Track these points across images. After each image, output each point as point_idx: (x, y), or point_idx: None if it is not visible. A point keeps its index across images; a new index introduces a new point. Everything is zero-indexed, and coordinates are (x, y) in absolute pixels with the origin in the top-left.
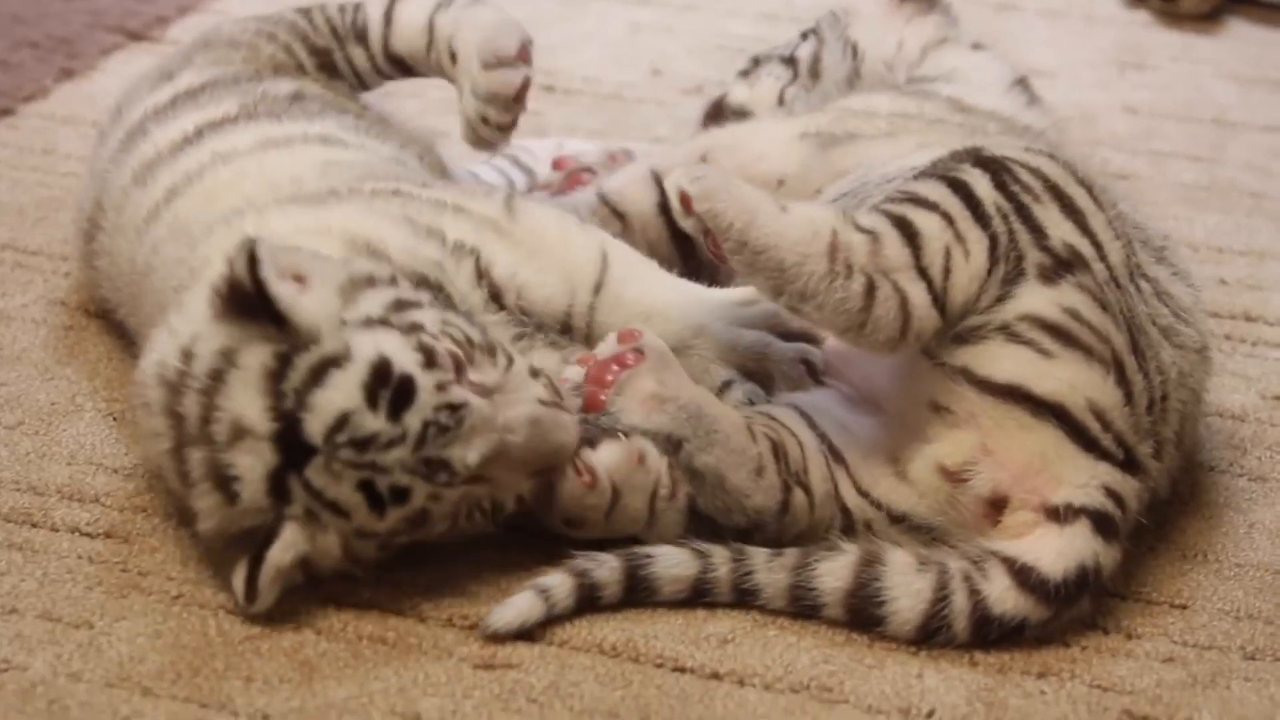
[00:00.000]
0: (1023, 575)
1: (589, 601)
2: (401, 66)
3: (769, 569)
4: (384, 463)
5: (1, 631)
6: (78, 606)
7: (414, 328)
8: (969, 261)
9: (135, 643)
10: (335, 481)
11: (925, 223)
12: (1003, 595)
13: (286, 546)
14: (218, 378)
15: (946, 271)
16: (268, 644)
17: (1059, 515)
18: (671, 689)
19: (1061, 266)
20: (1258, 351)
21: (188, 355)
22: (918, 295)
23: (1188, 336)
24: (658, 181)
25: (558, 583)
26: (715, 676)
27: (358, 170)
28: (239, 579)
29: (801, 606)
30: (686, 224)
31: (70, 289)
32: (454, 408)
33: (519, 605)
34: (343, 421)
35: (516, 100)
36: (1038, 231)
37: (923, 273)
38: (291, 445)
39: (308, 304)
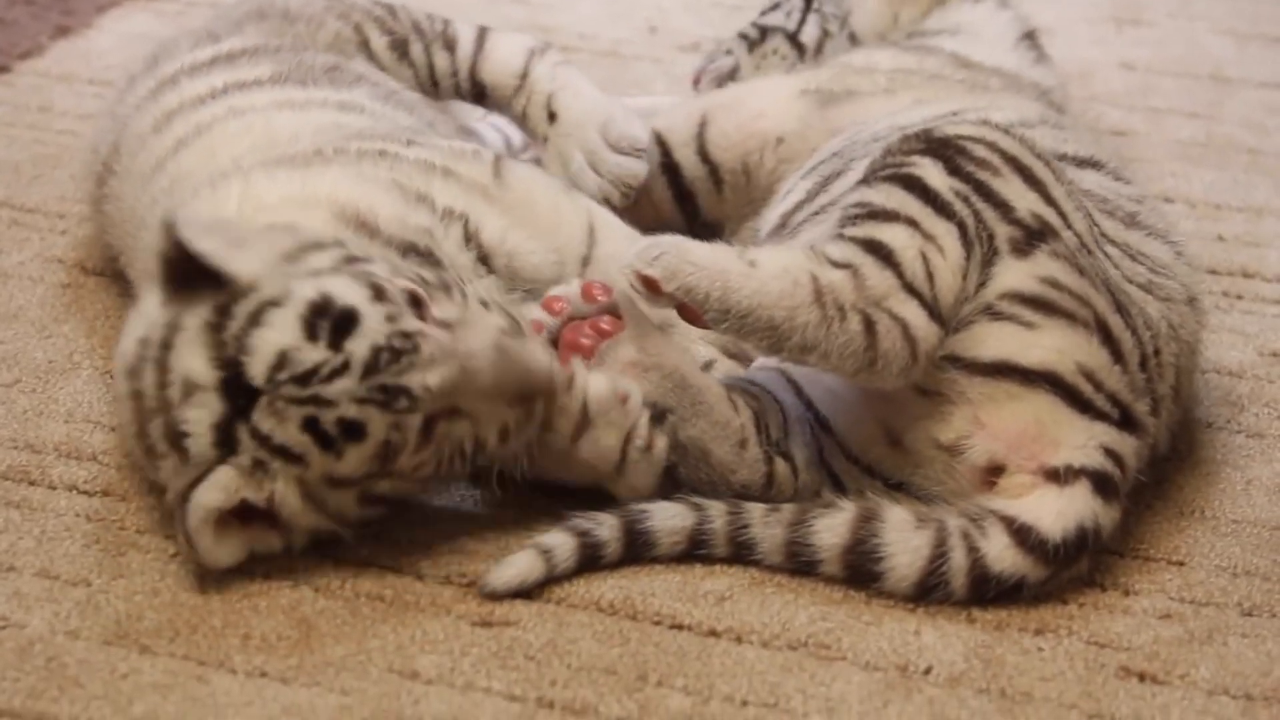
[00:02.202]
0: (1022, 534)
1: (590, 561)
2: (479, 92)
3: (765, 524)
4: (328, 395)
5: None
6: (75, 564)
7: (364, 275)
8: (946, 258)
9: (133, 600)
10: (280, 423)
11: (893, 236)
12: (1001, 554)
13: (213, 487)
14: (167, 346)
15: (930, 278)
16: (265, 602)
17: (1059, 476)
18: (669, 646)
19: (1033, 236)
20: (1255, 308)
21: (144, 341)
22: (914, 315)
23: (1172, 289)
24: (660, 142)
25: (559, 542)
26: (713, 633)
27: (352, 132)
28: (181, 534)
29: (798, 563)
30: (657, 304)
31: (67, 246)
32: (408, 335)
33: (519, 564)
34: (282, 358)
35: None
36: (1003, 206)
37: (910, 289)
38: (238, 392)
39: (244, 257)
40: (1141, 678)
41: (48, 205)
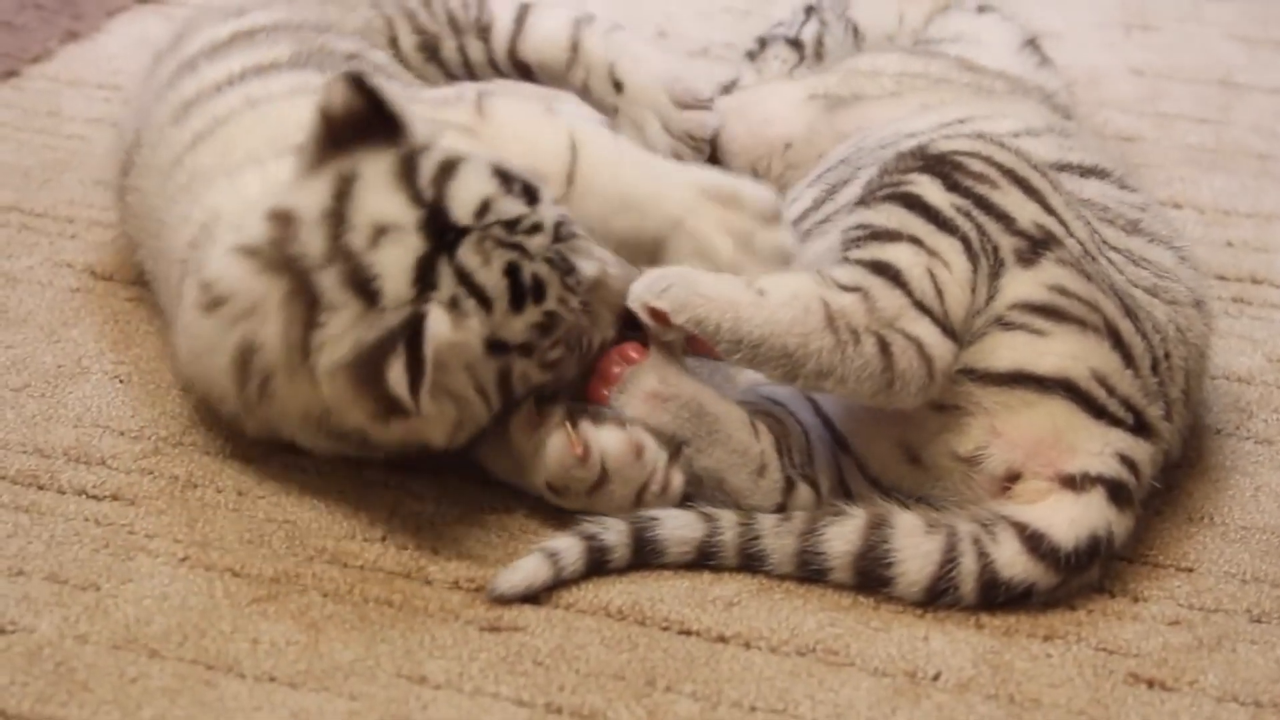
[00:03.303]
0: (1033, 541)
1: (598, 565)
2: (524, 72)
3: (776, 534)
4: (530, 247)
5: (8, 593)
6: (84, 569)
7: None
8: (953, 272)
9: (142, 605)
10: (485, 263)
11: (898, 256)
12: (1012, 560)
13: (440, 320)
14: (341, 197)
15: (939, 294)
16: (274, 606)
17: (1075, 483)
18: (677, 652)
19: (1037, 245)
20: (1264, 314)
21: (282, 215)
22: (927, 333)
23: (1178, 292)
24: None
25: (566, 546)
26: (721, 639)
27: None
28: (397, 372)
29: (809, 571)
30: (668, 338)
31: (76, 251)
32: (566, 220)
33: (526, 568)
34: (487, 204)
35: (710, 141)
36: (1004, 218)
37: (920, 306)
38: (439, 230)
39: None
40: (1150, 684)
41: (57, 210)
